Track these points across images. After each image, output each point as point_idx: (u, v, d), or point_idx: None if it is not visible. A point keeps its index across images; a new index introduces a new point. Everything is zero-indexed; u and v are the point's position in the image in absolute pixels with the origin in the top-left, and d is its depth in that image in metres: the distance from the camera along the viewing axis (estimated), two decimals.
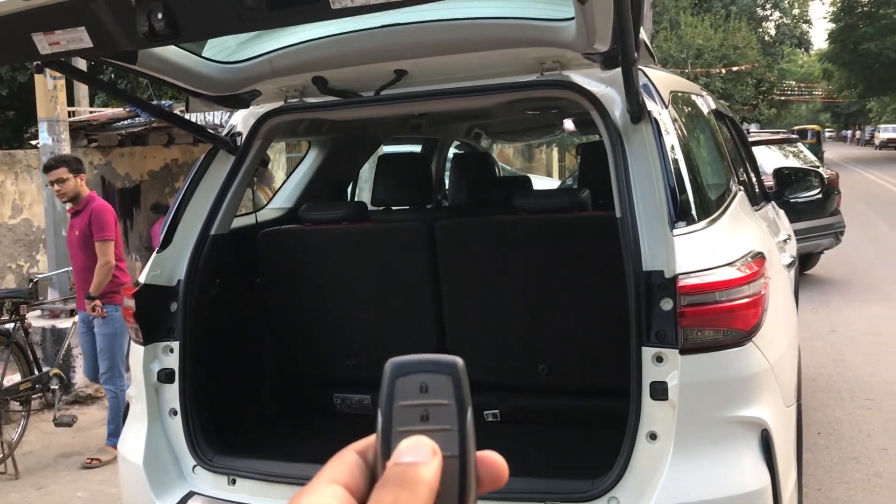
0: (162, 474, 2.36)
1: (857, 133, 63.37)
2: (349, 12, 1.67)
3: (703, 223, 2.06)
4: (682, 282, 1.90)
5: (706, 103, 3.08)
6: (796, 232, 8.30)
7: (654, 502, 1.88)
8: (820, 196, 9.14)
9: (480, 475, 0.51)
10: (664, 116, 2.16)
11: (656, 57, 2.88)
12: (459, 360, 0.52)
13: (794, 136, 11.22)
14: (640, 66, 2.14)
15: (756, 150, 9.54)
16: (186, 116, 7.89)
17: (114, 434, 4.59)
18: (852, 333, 6.95)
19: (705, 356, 1.93)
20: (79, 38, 1.80)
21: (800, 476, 2.48)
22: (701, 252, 1.97)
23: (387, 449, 0.50)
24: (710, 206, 2.17)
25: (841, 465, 4.25)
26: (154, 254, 2.56)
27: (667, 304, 1.94)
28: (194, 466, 2.38)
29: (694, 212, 2.05)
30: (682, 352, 1.91)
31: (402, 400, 0.51)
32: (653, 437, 1.95)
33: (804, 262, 9.60)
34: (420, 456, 0.49)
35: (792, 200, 8.44)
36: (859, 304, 8.07)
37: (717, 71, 28.69)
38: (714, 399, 1.94)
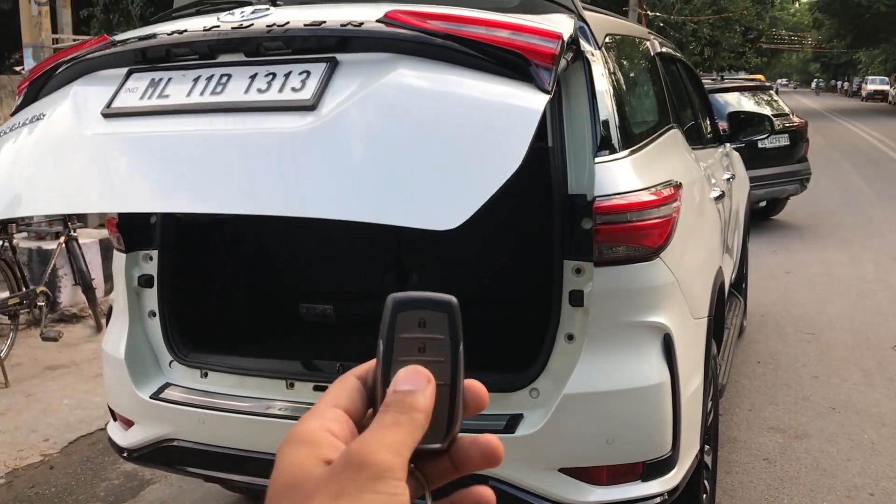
0: (141, 368, 2.64)
1: (846, 84, 63.40)
2: None
3: (625, 153, 2.30)
4: (598, 203, 2.17)
5: (651, 46, 3.30)
6: (763, 178, 8.65)
7: (566, 390, 2.17)
8: (788, 143, 9.45)
9: (466, 401, 0.57)
10: (596, 57, 2.39)
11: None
12: (454, 300, 0.57)
13: (767, 84, 11.41)
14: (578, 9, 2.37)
15: (730, 95, 9.78)
16: None
17: None
18: (806, 274, 7.30)
19: (616, 268, 2.20)
20: None
21: (714, 382, 2.79)
22: (619, 178, 2.23)
23: (387, 376, 0.55)
24: (633, 139, 2.41)
25: (774, 390, 4.61)
26: None
27: (587, 224, 2.20)
28: (171, 361, 2.66)
29: (616, 142, 2.29)
30: (597, 264, 2.18)
31: (402, 332, 0.56)
32: (570, 338, 2.23)
33: (770, 207, 9.94)
34: (417, 384, 0.53)
35: (760, 147, 8.75)
36: (817, 247, 8.41)
37: (706, 17, 28.60)
38: (623, 306, 2.22)
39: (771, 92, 10.41)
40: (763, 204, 9.61)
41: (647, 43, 3.28)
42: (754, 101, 9.97)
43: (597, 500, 2.20)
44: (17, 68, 9.00)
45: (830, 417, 4.21)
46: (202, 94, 2.01)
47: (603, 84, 2.34)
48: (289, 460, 0.51)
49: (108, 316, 2.85)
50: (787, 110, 10.02)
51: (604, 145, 2.26)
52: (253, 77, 1.99)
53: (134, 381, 2.61)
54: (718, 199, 3.34)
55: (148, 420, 2.59)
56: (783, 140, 9.28)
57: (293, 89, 1.93)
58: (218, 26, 2.12)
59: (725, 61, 32.40)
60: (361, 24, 1.97)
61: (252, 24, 2.08)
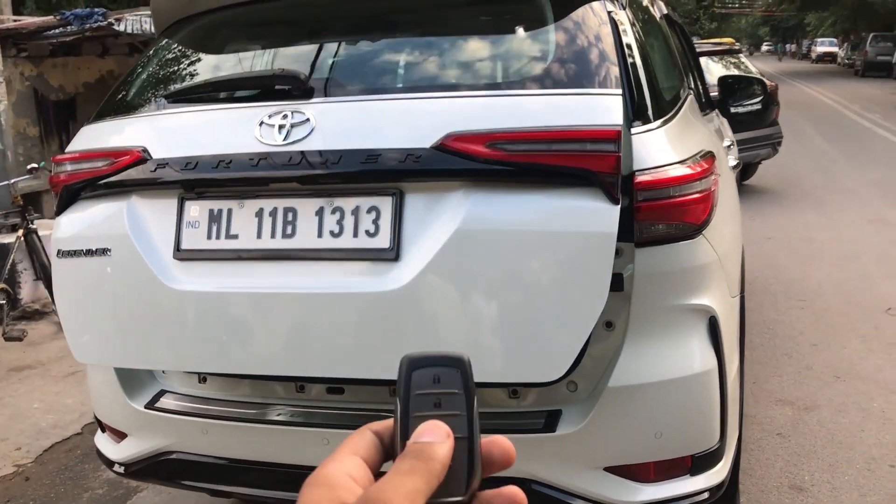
0: (132, 375, 2.40)
1: (793, 47, 64.07)
2: None
3: (658, 123, 2.12)
4: (638, 178, 1.98)
5: (658, 8, 3.12)
6: (737, 142, 8.55)
7: (610, 383, 2.00)
8: (759, 107, 9.37)
9: (493, 456, 0.58)
10: (622, 17, 2.20)
11: None
12: (466, 356, 0.60)
13: (736, 48, 11.34)
14: None
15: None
16: (118, 27, 7.63)
17: None
18: (787, 239, 7.25)
19: (659, 248, 2.02)
20: None
21: (742, 364, 2.64)
22: (656, 150, 2.04)
23: (405, 431, 0.57)
24: (664, 107, 2.23)
25: (775, 361, 4.52)
26: (83, 128, 2.55)
27: (624, 201, 2.02)
28: None
29: (650, 112, 2.11)
30: (638, 245, 2.00)
31: (417, 389, 0.58)
32: (609, 325, 2.05)
33: (743, 172, 9.87)
34: (437, 437, 0.55)
35: (732, 111, 8.65)
36: (794, 211, 8.38)
37: None
38: (666, 288, 2.04)
39: (739, 55, 10.33)
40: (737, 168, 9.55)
41: (655, 4, 3.10)
42: (722, 65, 9.87)
43: (646, 500, 2.04)
44: None
45: (836, 387, 4.12)
46: (273, 236, 2.02)
47: (631, 47, 2.15)
48: (308, 501, 0.52)
49: None
50: (757, 74, 9.94)
51: (637, 115, 2.07)
52: (320, 214, 1.99)
53: (125, 391, 2.38)
54: (735, 167, 3.18)
55: (143, 432, 2.36)
56: (755, 104, 9.19)
57: (367, 233, 1.95)
58: (265, 157, 1.99)
59: None
60: (420, 156, 1.90)
61: (302, 156, 1.97)
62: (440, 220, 1.91)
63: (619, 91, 1.95)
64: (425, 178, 1.94)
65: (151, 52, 2.59)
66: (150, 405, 2.34)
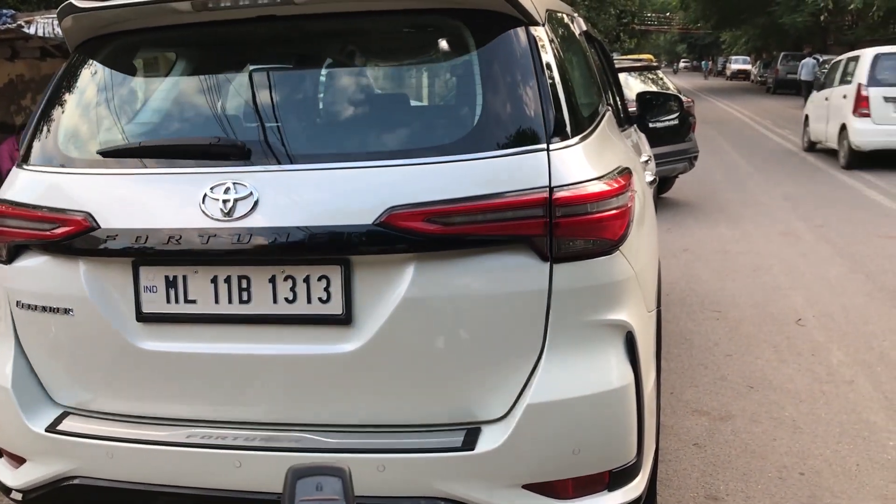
0: (32, 396, 2.28)
1: (710, 64, 66.22)
2: None
3: (576, 139, 2.13)
4: (557, 194, 1.98)
5: (578, 25, 3.15)
6: (654, 156, 8.74)
7: (529, 400, 2.00)
8: (676, 122, 9.62)
9: None
10: (541, 33, 2.21)
11: None
12: (346, 467, 0.65)
13: (654, 64, 11.65)
14: None
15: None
16: (28, 30, 7.34)
17: None
18: (703, 252, 7.44)
19: (576, 264, 2.02)
20: None
21: (658, 377, 2.68)
22: (574, 166, 2.05)
23: None
24: (582, 124, 2.24)
25: (691, 371, 4.61)
26: (16, 169, 2.41)
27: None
28: None
29: (568, 129, 2.12)
30: (556, 261, 2.01)
31: (302, 496, 0.67)
32: None
33: (660, 185, 10.11)
34: None
35: (650, 126, 8.87)
36: (709, 224, 8.61)
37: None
38: (583, 304, 2.05)
39: (658, 71, 10.59)
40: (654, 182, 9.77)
41: (574, 21, 3.13)
42: (641, 81, 10.11)
43: None
44: None
45: (750, 396, 4.23)
46: (230, 301, 2.10)
47: (549, 64, 2.16)
48: None
49: None
50: (674, 90, 10.20)
51: (555, 131, 2.08)
52: (273, 282, 2.07)
53: (24, 413, 2.26)
54: (651, 183, 3.24)
55: (44, 456, 2.25)
56: (672, 119, 9.43)
57: (321, 300, 2.04)
58: (213, 234, 2.04)
59: None
60: (364, 233, 1.98)
61: (249, 233, 2.02)
62: (388, 287, 2.01)
63: (545, 145, 2.02)
64: (370, 253, 2.01)
65: (69, 73, 2.43)
66: (52, 428, 2.23)
